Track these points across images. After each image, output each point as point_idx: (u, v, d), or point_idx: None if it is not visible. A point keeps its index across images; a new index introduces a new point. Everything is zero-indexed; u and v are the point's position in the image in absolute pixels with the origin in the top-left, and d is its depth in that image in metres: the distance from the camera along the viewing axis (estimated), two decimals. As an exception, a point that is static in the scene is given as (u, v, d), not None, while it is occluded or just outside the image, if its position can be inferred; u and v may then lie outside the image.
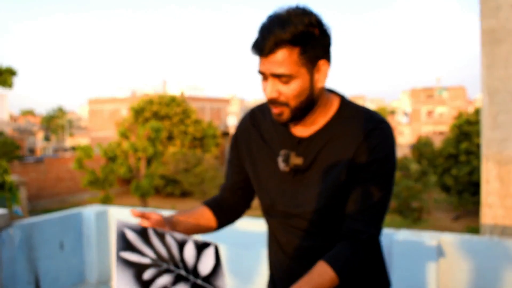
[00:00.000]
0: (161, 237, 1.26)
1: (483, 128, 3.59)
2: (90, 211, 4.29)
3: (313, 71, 1.28)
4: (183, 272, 1.26)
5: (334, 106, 1.39)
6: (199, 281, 1.25)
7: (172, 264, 1.26)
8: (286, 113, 1.31)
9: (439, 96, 59.45)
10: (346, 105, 1.40)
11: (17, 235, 3.75)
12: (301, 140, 1.39)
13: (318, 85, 1.31)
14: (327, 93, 1.39)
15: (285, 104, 1.29)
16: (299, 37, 1.23)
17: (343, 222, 1.35)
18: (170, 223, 1.38)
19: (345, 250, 1.31)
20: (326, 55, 1.30)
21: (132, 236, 1.24)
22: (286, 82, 1.27)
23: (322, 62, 1.29)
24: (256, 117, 1.51)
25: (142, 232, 1.26)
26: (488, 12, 3.48)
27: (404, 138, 60.60)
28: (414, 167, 26.21)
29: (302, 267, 1.35)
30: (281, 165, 1.39)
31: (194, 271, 1.27)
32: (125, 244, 1.24)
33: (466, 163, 23.10)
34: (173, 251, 1.26)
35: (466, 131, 24.22)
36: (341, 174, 1.33)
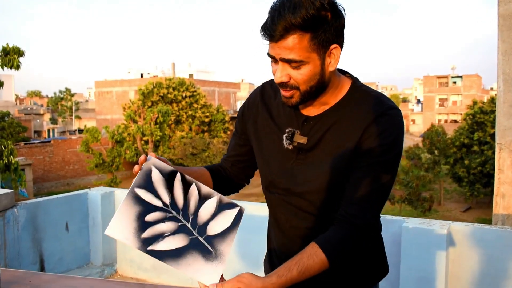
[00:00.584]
0: (186, 185, 1.27)
1: (498, 116, 3.49)
2: (96, 193, 4.26)
3: (324, 55, 1.25)
4: (188, 225, 1.25)
5: (345, 88, 1.37)
6: (201, 239, 1.24)
7: (182, 214, 1.25)
8: (296, 96, 1.29)
9: (453, 84, 58.72)
10: (357, 88, 1.37)
11: (22, 215, 3.74)
12: (307, 119, 1.37)
13: (329, 69, 1.28)
14: (339, 75, 1.37)
15: (296, 88, 1.28)
16: (310, 22, 1.19)
17: (340, 205, 1.32)
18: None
19: (338, 234, 1.28)
20: (339, 39, 1.27)
21: (156, 177, 1.25)
22: (297, 67, 1.24)
23: (334, 46, 1.26)
24: (267, 93, 1.50)
25: (169, 175, 1.26)
26: (507, -5, 3.36)
27: (417, 127, 60.17)
28: (426, 156, 25.99)
29: (298, 246, 1.32)
30: (285, 143, 1.38)
31: (202, 227, 1.26)
32: (145, 182, 1.23)
33: (479, 153, 22.82)
34: (190, 201, 1.26)
35: (480, 121, 23.91)
36: (346, 157, 1.31)
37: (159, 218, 1.23)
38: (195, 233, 1.25)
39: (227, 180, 1.59)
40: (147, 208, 1.22)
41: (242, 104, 1.56)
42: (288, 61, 1.23)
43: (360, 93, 1.36)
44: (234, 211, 1.29)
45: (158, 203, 1.23)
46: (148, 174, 1.24)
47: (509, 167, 3.42)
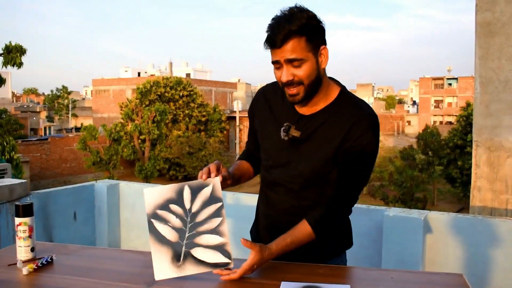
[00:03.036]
0: (217, 214, 1.55)
1: (475, 116, 3.78)
2: (102, 184, 4.53)
3: (317, 55, 1.58)
4: (186, 233, 1.53)
5: (334, 93, 1.69)
6: (183, 248, 1.52)
7: (191, 224, 1.54)
8: (301, 92, 1.59)
9: (449, 86, 59.07)
10: (344, 94, 1.70)
11: (35, 204, 3.99)
12: (302, 117, 1.68)
13: (322, 66, 1.61)
14: (329, 81, 1.69)
15: (300, 83, 1.58)
16: (304, 28, 1.52)
17: (327, 191, 1.65)
18: (232, 178, 1.74)
19: (324, 212, 1.64)
20: (324, 42, 1.61)
21: (206, 192, 1.55)
22: (299, 66, 1.56)
23: (323, 47, 1.60)
24: (269, 92, 1.82)
25: (215, 199, 1.55)
26: (484, 5, 3.66)
27: (412, 128, 60.46)
28: (420, 157, 26.30)
29: (281, 217, 1.73)
30: (282, 135, 1.69)
31: (193, 244, 1.53)
32: (196, 188, 1.55)
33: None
34: (205, 225, 1.54)
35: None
36: (329, 152, 1.63)
37: (176, 212, 1.53)
38: (184, 241, 1.53)
39: (258, 161, 1.93)
40: (178, 201, 1.54)
41: (250, 103, 1.89)
42: (291, 61, 1.55)
43: (347, 99, 1.68)
44: (224, 259, 1.54)
45: (187, 205, 1.54)
46: (204, 186, 1.55)
47: (484, 162, 3.71)
